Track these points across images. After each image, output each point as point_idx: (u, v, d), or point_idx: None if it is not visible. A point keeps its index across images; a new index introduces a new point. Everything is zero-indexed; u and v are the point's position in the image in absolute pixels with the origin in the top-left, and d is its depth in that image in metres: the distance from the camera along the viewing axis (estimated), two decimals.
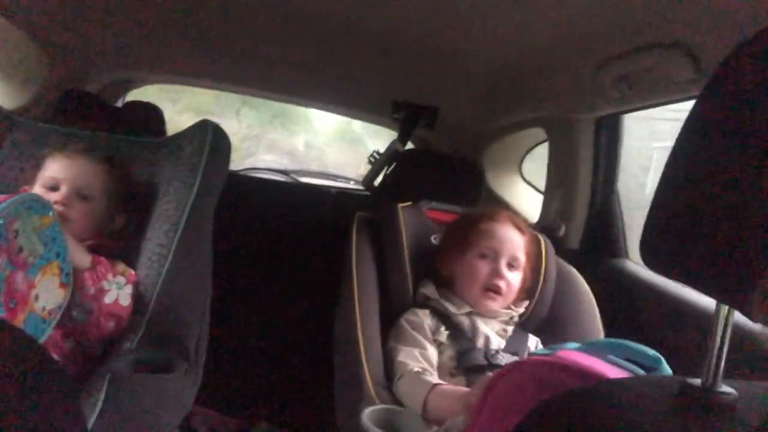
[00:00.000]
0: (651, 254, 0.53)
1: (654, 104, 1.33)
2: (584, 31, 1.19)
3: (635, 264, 1.56)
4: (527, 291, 1.35)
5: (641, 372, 0.76)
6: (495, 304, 1.26)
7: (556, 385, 0.71)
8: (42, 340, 0.96)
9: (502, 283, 1.25)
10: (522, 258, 1.30)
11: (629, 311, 1.45)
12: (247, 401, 1.62)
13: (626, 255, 1.60)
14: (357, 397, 1.07)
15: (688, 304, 1.25)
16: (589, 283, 1.44)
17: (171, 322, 1.08)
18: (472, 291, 1.27)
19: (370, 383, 1.08)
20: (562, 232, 1.71)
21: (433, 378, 1.10)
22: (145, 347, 1.03)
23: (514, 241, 1.29)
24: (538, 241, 1.43)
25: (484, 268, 1.26)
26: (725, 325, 0.50)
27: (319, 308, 1.44)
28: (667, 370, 0.77)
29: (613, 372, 0.74)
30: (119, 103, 2.20)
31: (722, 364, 0.50)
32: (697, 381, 0.51)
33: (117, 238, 1.25)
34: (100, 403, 0.87)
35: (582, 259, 1.58)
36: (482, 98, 1.79)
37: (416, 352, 1.16)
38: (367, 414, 0.96)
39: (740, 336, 0.54)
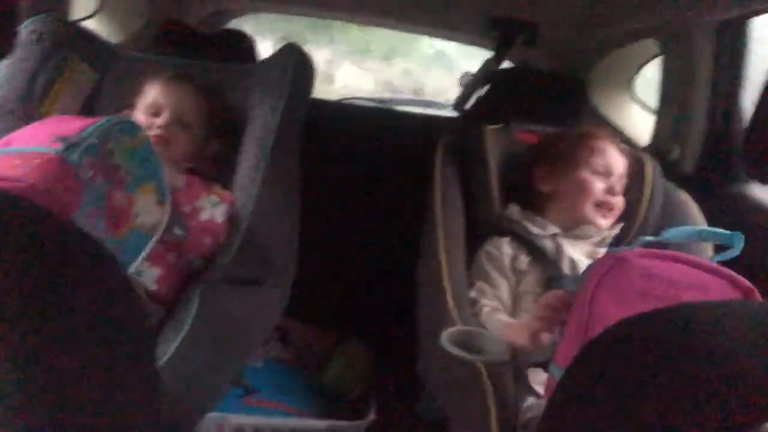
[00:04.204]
0: (756, 160, 0.45)
1: None
2: None
3: (759, 189, 1.38)
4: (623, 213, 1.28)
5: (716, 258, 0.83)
6: (606, 222, 1.24)
7: (654, 275, 0.75)
8: (143, 253, 1.04)
9: (616, 200, 1.24)
10: (624, 181, 1.28)
11: (749, 243, 1.30)
12: (340, 318, 1.70)
13: (749, 179, 1.43)
14: (438, 319, 1.07)
15: None
16: (705, 211, 1.31)
17: (262, 240, 1.13)
18: (584, 207, 1.23)
19: (452, 305, 1.07)
20: (675, 154, 1.55)
21: (502, 315, 1.09)
22: (237, 263, 1.08)
23: (621, 163, 1.28)
24: (641, 163, 1.33)
25: (599, 184, 1.23)
26: None
27: (406, 233, 1.44)
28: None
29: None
30: None
31: None
32: None
33: (213, 162, 1.31)
34: (192, 314, 0.93)
35: (698, 185, 1.43)
36: (587, 7, 1.62)
37: (488, 289, 1.14)
38: (447, 335, 0.95)
39: None
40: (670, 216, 1.30)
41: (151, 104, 1.26)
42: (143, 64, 1.40)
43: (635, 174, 1.32)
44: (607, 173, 1.24)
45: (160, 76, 1.30)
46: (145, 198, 1.05)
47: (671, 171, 1.45)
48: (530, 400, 0.96)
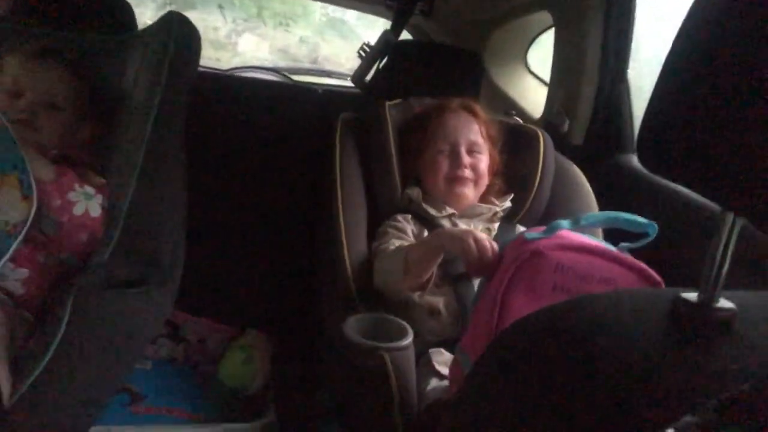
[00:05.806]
0: (649, 153, 0.45)
1: None
2: None
3: None
4: (511, 183, 1.31)
5: (626, 247, 0.84)
6: (466, 189, 1.23)
7: (568, 268, 0.76)
8: (7, 255, 0.92)
9: (465, 172, 1.23)
10: (481, 141, 1.27)
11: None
12: (236, 309, 1.60)
13: (633, 150, 1.50)
14: (341, 303, 1.05)
15: (698, 207, 1.16)
16: (592, 181, 1.37)
17: (143, 233, 1.03)
18: (438, 185, 1.24)
19: (353, 289, 1.05)
20: (565, 127, 1.60)
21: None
22: (117, 261, 0.98)
23: (470, 127, 1.27)
24: (534, 136, 1.34)
25: (444, 162, 1.24)
26: (729, 235, 0.43)
27: (305, 215, 1.39)
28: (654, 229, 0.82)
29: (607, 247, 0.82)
30: None
31: (722, 277, 0.44)
32: (693, 295, 0.45)
33: (87, 147, 1.19)
34: (63, 326, 0.84)
35: (585, 156, 1.49)
36: None
37: (396, 243, 1.13)
38: (350, 322, 0.93)
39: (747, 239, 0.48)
40: (561, 188, 1.34)
41: (11, 84, 1.11)
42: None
43: (528, 147, 1.35)
44: (453, 147, 1.24)
45: (22, 49, 1.15)
46: (6, 192, 0.93)
47: (561, 143, 1.49)
48: (433, 382, 0.96)
